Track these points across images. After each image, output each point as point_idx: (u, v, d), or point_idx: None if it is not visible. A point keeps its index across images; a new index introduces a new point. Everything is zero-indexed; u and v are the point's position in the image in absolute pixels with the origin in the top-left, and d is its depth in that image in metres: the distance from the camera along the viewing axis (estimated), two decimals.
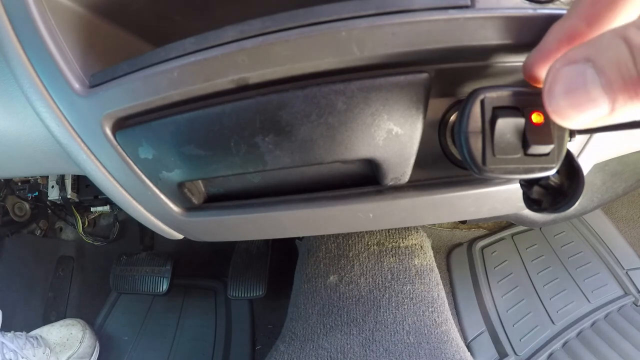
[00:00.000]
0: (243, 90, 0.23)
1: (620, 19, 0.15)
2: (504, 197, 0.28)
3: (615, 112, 0.13)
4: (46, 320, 0.99)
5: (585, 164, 0.29)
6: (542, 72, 0.17)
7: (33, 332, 0.85)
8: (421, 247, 0.56)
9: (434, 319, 0.49)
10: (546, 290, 0.89)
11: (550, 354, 0.79)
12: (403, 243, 0.55)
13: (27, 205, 0.98)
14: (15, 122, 0.31)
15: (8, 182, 0.91)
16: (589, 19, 0.16)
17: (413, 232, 0.57)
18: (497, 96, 0.18)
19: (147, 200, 0.31)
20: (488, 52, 0.21)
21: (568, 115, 0.15)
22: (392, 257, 0.53)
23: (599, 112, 0.14)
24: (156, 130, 0.25)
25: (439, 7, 0.20)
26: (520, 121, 0.18)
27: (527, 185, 0.21)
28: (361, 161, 0.26)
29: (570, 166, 0.19)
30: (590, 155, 0.28)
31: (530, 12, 0.19)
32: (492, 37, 0.20)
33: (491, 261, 0.95)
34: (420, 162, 0.25)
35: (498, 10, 0.19)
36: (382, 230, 0.56)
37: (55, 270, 1.06)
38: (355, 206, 0.28)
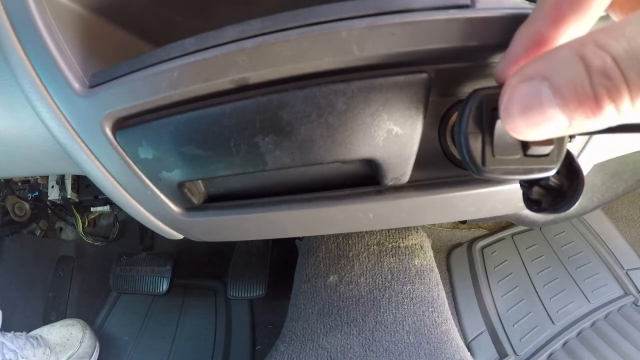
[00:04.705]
0: (243, 90, 0.23)
1: (587, 18, 0.15)
2: (504, 197, 0.28)
3: (572, 127, 0.14)
4: (46, 320, 0.99)
5: (585, 164, 0.29)
6: None
7: (33, 332, 0.85)
8: (421, 247, 0.56)
9: (434, 319, 0.49)
10: (546, 290, 0.89)
11: (550, 354, 0.79)
12: (403, 243, 0.55)
13: (27, 205, 0.98)
14: (16, 122, 0.31)
15: (8, 182, 0.91)
16: (554, 21, 0.16)
17: (413, 232, 0.57)
18: (497, 97, 0.18)
19: (147, 200, 0.31)
20: (488, 52, 0.21)
21: (526, 133, 0.15)
22: (392, 257, 0.54)
23: (555, 129, 0.14)
24: (156, 130, 0.25)
25: (439, 7, 0.20)
26: None
27: (527, 185, 0.21)
28: (361, 161, 0.26)
29: (570, 167, 0.19)
30: (590, 155, 0.28)
31: (530, 12, 0.19)
32: (492, 37, 0.20)
33: (491, 261, 0.95)
34: (420, 162, 0.25)
35: (498, 10, 0.19)
36: (382, 230, 0.56)
37: (55, 270, 1.06)
38: (355, 206, 0.28)
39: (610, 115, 0.12)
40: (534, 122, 0.14)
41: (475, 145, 0.18)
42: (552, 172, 0.19)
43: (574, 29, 0.16)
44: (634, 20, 0.12)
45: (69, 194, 0.82)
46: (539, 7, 0.16)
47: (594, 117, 0.13)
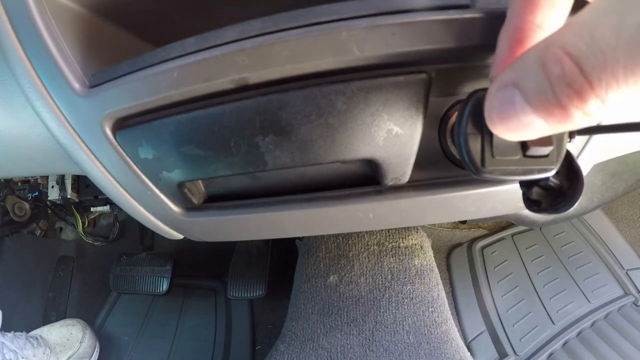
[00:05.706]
0: (243, 90, 0.23)
1: (560, 2, 0.15)
2: (504, 197, 0.28)
3: (552, 129, 0.13)
4: (46, 320, 0.99)
5: (585, 165, 0.29)
6: None
7: (33, 332, 0.85)
8: (421, 247, 0.56)
9: (434, 319, 0.49)
10: (546, 290, 0.89)
11: (550, 354, 0.79)
12: (403, 243, 0.55)
13: (27, 205, 0.98)
14: (16, 122, 0.31)
15: (8, 182, 0.91)
16: (528, 13, 0.15)
17: (413, 232, 0.57)
18: None
19: (147, 200, 0.31)
20: (488, 52, 0.21)
21: (511, 137, 0.15)
22: (392, 257, 0.54)
23: (536, 131, 0.14)
24: (156, 130, 0.25)
25: (438, 7, 0.20)
26: None
27: (526, 186, 0.21)
28: (361, 161, 0.26)
29: (569, 167, 0.19)
30: (590, 155, 0.28)
31: None
32: (492, 37, 0.20)
33: (491, 261, 0.95)
34: (420, 162, 0.25)
35: (498, 10, 0.19)
36: (382, 230, 0.56)
37: (55, 270, 1.06)
38: (355, 206, 0.28)
39: (580, 118, 0.12)
40: (513, 128, 0.14)
41: (475, 145, 0.18)
42: (552, 173, 0.18)
43: (550, 16, 0.15)
44: (596, 5, 0.11)
45: (69, 194, 0.82)
46: (511, 4, 0.16)
47: (566, 121, 0.13)
